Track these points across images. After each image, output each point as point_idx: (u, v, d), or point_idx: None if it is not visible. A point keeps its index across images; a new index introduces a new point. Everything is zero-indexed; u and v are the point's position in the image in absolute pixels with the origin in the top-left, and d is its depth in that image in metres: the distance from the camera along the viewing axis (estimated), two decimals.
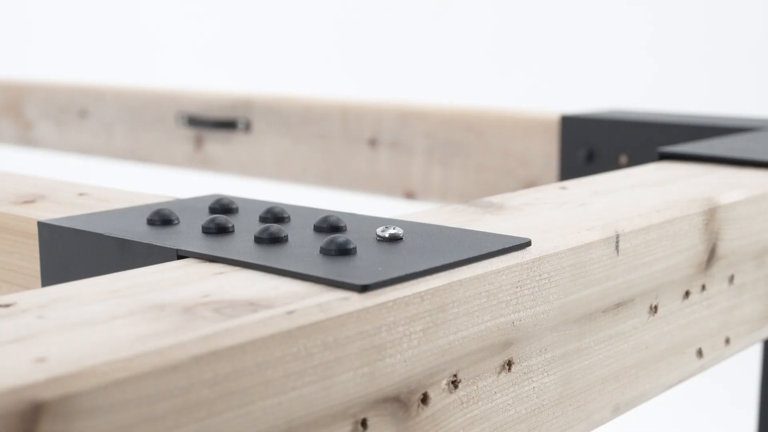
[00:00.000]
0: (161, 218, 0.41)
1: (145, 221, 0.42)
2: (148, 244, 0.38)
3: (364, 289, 0.31)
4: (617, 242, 0.43)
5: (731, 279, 0.52)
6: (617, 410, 0.45)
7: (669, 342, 0.48)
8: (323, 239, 0.37)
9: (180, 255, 0.37)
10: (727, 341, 0.53)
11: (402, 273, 0.33)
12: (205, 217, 0.42)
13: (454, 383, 0.35)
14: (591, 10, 2.35)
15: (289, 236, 0.38)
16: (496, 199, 0.49)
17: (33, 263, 0.45)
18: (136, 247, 0.38)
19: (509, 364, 0.37)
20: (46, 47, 3.06)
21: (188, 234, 0.39)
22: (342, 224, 0.40)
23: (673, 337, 0.48)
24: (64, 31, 3.07)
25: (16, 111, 1.40)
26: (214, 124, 1.14)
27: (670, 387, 0.49)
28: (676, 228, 0.47)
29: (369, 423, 0.32)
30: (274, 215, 0.42)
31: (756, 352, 0.89)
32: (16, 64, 2.98)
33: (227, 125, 1.13)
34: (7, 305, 0.30)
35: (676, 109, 1.03)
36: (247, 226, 0.40)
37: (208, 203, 0.45)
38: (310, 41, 2.70)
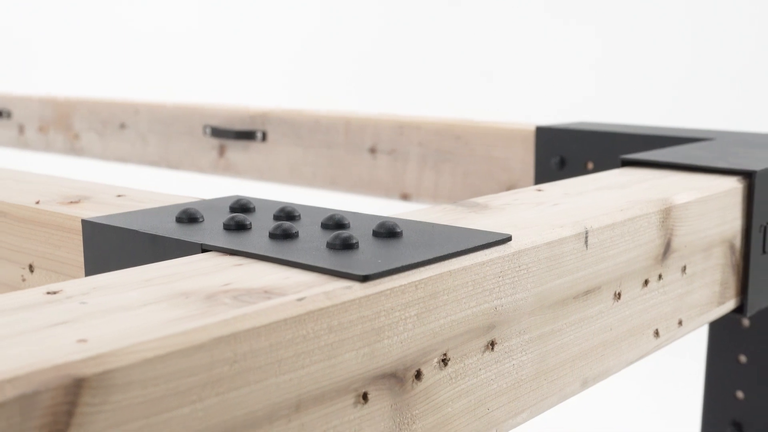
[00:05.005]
0: (188, 216, 0.41)
1: (174, 219, 0.41)
2: (176, 239, 0.38)
3: (365, 279, 0.31)
4: (586, 237, 0.43)
5: (684, 269, 0.52)
6: (585, 384, 0.45)
7: (630, 324, 0.48)
8: (329, 235, 0.37)
9: (204, 249, 0.37)
10: (680, 323, 0.52)
11: (398, 264, 0.33)
12: (226, 215, 0.42)
13: (444, 361, 0.35)
14: (569, 38, 2.36)
15: (299, 232, 0.38)
16: (480, 200, 0.49)
17: (77, 256, 0.45)
18: (165, 242, 0.38)
19: (492, 344, 0.37)
20: (91, 70, 3.08)
21: (211, 230, 0.39)
22: (346, 222, 0.40)
23: (634, 320, 0.48)
24: (107, 57, 3.08)
25: (66, 124, 1.40)
26: (235, 134, 1.14)
27: (631, 363, 0.49)
28: (636, 225, 0.47)
29: (369, 396, 0.31)
30: (287, 214, 0.42)
31: (704, 332, 0.89)
32: (66, 84, 2.99)
33: (246, 135, 1.13)
34: (55, 292, 0.30)
35: (636, 121, 1.03)
36: (263, 224, 0.40)
37: (229, 203, 0.45)
38: (319, 63, 2.70)
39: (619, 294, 0.46)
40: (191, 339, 0.26)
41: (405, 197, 1.00)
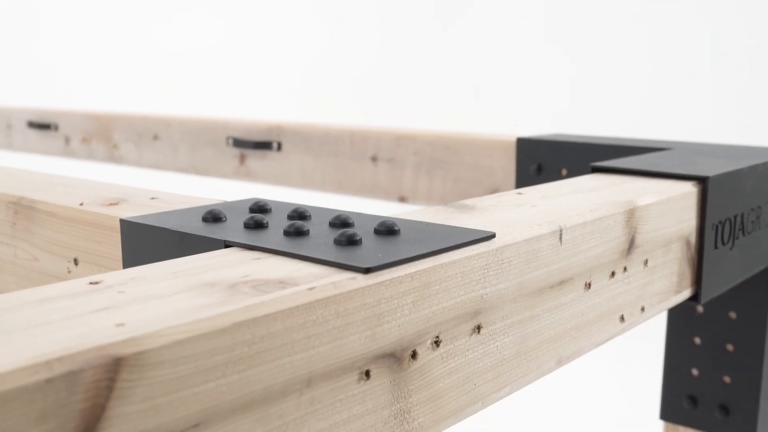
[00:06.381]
0: (212, 216, 0.41)
1: (201, 219, 0.41)
2: (202, 236, 0.38)
3: (367, 271, 0.31)
4: (560, 234, 0.43)
5: (646, 262, 0.52)
6: (560, 362, 0.45)
7: (599, 310, 0.48)
8: (336, 233, 0.37)
9: (227, 245, 0.37)
10: (643, 309, 0.52)
11: (397, 258, 0.33)
12: (246, 215, 0.41)
13: (437, 343, 0.35)
14: (546, 60, 2.35)
15: (310, 230, 0.38)
16: (468, 202, 0.49)
17: (116, 251, 0.45)
18: (193, 239, 0.38)
19: (478, 327, 0.37)
20: (129, 88, 3.08)
21: (233, 228, 0.39)
22: (351, 221, 0.40)
23: (602, 307, 0.48)
24: (143, 76, 3.08)
25: (106, 136, 1.40)
26: (254, 144, 1.14)
27: (600, 344, 0.49)
28: (604, 224, 0.47)
29: (371, 373, 0.31)
30: (299, 214, 0.42)
31: (663, 318, 0.89)
32: (107, 100, 3.00)
33: (264, 146, 1.13)
34: (96, 282, 0.30)
35: (605, 133, 1.03)
36: (278, 223, 0.40)
37: (249, 205, 0.45)
38: (327, 82, 2.71)
39: (590, 284, 0.46)
40: (216, 324, 0.26)
41: (402, 200, 1.00)
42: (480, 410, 0.38)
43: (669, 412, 0.81)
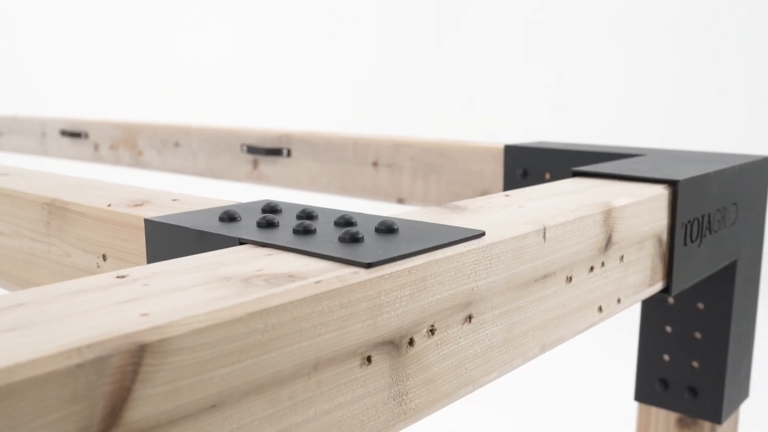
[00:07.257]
0: (228, 216, 0.41)
1: (218, 218, 0.41)
2: (219, 234, 0.38)
3: (369, 266, 0.31)
4: (544, 233, 0.43)
5: (621, 258, 0.52)
6: (544, 349, 0.45)
7: (579, 302, 0.48)
8: (340, 231, 0.37)
9: (241, 242, 0.37)
10: (619, 301, 0.52)
11: (396, 254, 0.33)
12: (259, 215, 0.41)
13: (432, 331, 0.35)
14: (531, 76, 2.36)
15: (317, 229, 0.38)
16: (460, 203, 0.49)
17: (141, 247, 0.45)
18: (211, 237, 0.38)
19: (470, 317, 0.37)
20: (152, 100, 3.08)
21: (247, 227, 0.39)
22: (354, 220, 0.40)
23: (582, 299, 0.48)
24: (166, 89, 3.09)
25: (132, 143, 1.40)
26: (266, 151, 1.14)
27: (580, 332, 0.49)
28: (584, 223, 0.47)
29: (372, 358, 0.31)
30: (307, 214, 0.42)
31: (637, 308, 0.89)
32: (132, 111, 3.00)
33: (275, 152, 1.13)
34: (123, 276, 0.30)
35: (584, 141, 1.03)
36: (288, 222, 0.40)
37: (261, 206, 0.45)
38: (332, 94, 2.71)
39: (571, 278, 0.46)
40: (231, 313, 0.26)
41: (401, 201, 1.00)
42: (471, 392, 0.38)
43: (643, 393, 0.81)
